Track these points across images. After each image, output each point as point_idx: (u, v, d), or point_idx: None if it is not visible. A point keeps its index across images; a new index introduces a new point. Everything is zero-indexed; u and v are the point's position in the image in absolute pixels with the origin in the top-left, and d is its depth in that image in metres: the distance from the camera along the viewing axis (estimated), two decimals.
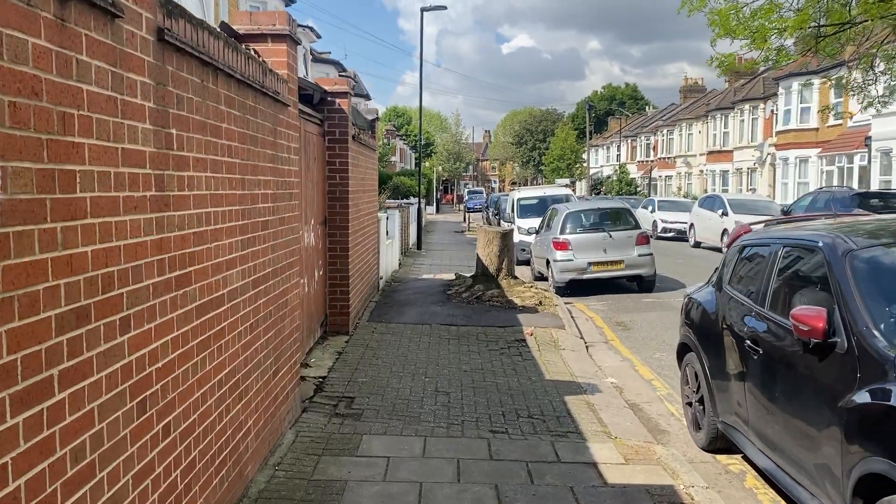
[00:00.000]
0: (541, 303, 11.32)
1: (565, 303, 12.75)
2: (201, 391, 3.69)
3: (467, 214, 45.38)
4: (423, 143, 42.34)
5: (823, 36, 14.05)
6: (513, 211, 21.16)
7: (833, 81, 20.63)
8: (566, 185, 24.11)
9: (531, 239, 17.37)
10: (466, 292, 11.93)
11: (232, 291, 4.18)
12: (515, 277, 12.76)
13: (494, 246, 12.41)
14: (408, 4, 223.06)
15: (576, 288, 13.97)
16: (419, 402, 6.65)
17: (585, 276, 13.86)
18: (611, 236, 13.96)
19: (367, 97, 44.07)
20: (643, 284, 14.16)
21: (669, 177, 55.22)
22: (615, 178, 58.85)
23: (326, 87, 8.90)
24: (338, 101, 9.05)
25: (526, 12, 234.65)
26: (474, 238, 33.12)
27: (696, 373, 5.97)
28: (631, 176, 57.99)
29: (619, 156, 68.31)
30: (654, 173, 57.59)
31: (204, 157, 3.73)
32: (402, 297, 12.40)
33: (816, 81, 35.72)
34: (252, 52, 4.69)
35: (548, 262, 14.43)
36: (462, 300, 11.61)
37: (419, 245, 24.35)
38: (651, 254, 14.06)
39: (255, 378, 4.68)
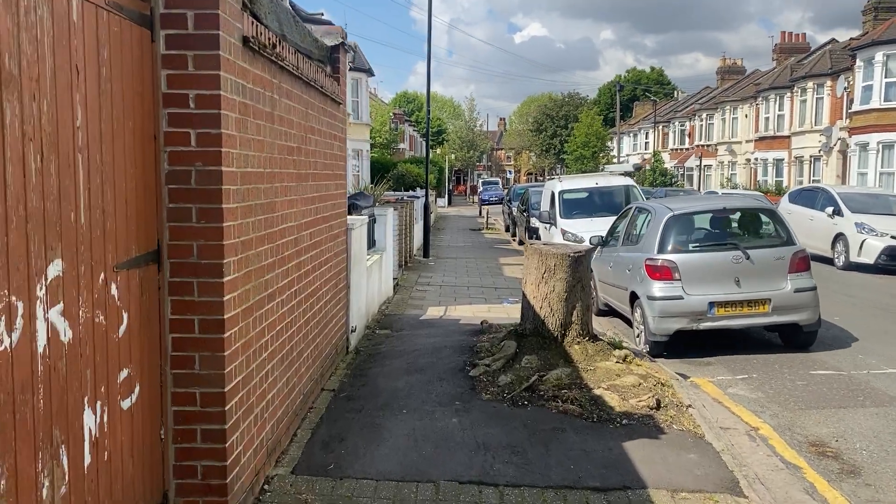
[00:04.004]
0: (659, 404, 5.60)
1: (677, 373, 7.08)
2: None
3: (483, 208, 39.61)
4: (434, 129, 36.49)
5: None
6: (553, 207, 15.36)
7: None
8: (624, 174, 17.87)
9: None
10: (506, 373, 6.22)
11: None
12: (595, 338, 6.96)
13: (558, 281, 6.64)
14: None
15: (677, 341, 8.27)
16: None
17: (703, 326, 8.10)
18: (747, 257, 8.13)
19: (371, 73, 38.23)
20: (798, 338, 8.32)
21: (709, 166, 49.17)
22: (647, 167, 52.94)
23: None
24: None
25: (540, 1, 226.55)
26: (495, 239, 26.84)
27: None
28: (664, 165, 52.14)
29: (647, 143, 62.27)
30: (691, 162, 51.57)
31: None
32: (383, 377, 6.66)
33: None
34: None
35: (633, 296, 8.66)
36: (498, 392, 5.90)
37: (426, 251, 18.63)
38: (814, 287, 8.20)
39: None
